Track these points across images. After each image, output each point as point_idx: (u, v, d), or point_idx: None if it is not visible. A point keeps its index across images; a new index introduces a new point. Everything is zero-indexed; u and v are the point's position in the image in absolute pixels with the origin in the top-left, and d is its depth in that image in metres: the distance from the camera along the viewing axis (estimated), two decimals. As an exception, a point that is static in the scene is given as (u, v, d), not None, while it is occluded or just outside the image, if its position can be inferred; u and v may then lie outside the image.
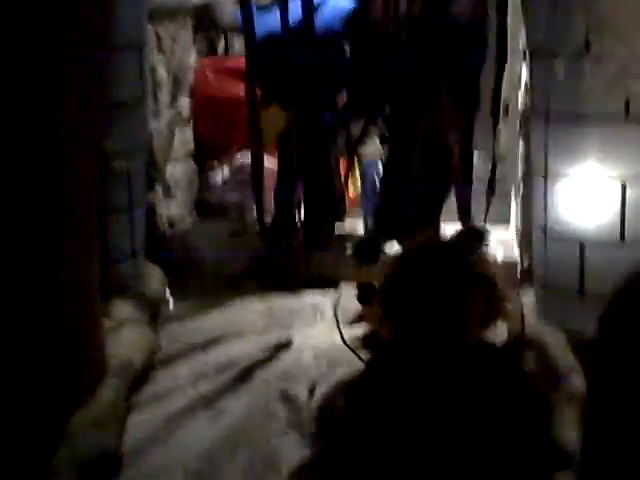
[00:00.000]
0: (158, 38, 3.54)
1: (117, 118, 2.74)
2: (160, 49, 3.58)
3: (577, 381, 2.35)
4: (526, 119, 3.24)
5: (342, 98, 3.70)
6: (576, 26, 1.56)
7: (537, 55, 2.66)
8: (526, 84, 3.25)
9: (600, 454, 1.35)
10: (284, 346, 2.97)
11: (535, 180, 2.90)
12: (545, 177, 2.77)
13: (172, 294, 3.45)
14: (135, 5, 2.80)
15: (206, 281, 3.60)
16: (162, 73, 3.60)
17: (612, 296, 1.77)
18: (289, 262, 3.65)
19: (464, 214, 3.19)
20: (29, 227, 2.03)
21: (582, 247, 2.71)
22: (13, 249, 2.03)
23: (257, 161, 3.56)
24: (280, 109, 3.58)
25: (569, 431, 1.89)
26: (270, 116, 3.59)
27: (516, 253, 3.57)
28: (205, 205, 3.98)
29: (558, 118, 2.56)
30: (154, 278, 3.32)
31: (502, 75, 2.48)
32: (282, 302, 3.50)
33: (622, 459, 1.34)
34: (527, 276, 3.27)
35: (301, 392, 2.59)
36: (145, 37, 3.04)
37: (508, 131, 3.78)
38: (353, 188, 4.15)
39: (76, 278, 2.24)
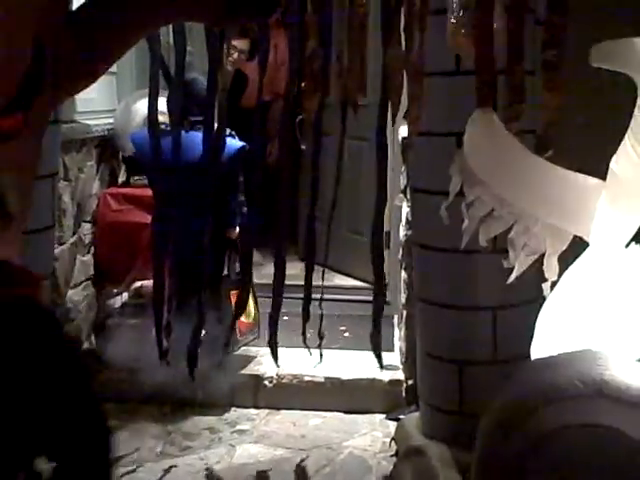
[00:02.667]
0: (65, 167, 3.72)
1: (29, 245, 2.85)
2: (66, 178, 3.75)
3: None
4: (408, 250, 3.56)
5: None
6: (453, 176, 1.86)
7: (419, 194, 3.01)
8: (407, 217, 3.60)
9: None
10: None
11: (417, 306, 3.17)
12: (426, 304, 3.05)
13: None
14: (51, 136, 2.96)
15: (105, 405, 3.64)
16: (67, 201, 3.76)
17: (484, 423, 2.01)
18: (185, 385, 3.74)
19: None
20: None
21: (461, 368, 2.97)
22: None
23: (159, 285, 3.66)
24: None
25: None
26: None
27: (401, 375, 3.82)
28: (104, 328, 4.06)
29: (439, 250, 2.88)
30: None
31: (382, 213, 2.78)
32: (180, 425, 3.61)
33: None
34: (413, 396, 3.50)
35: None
36: (57, 166, 3.22)
37: (390, 261, 4.11)
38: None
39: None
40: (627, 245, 1.72)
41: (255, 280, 3.94)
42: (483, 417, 2.03)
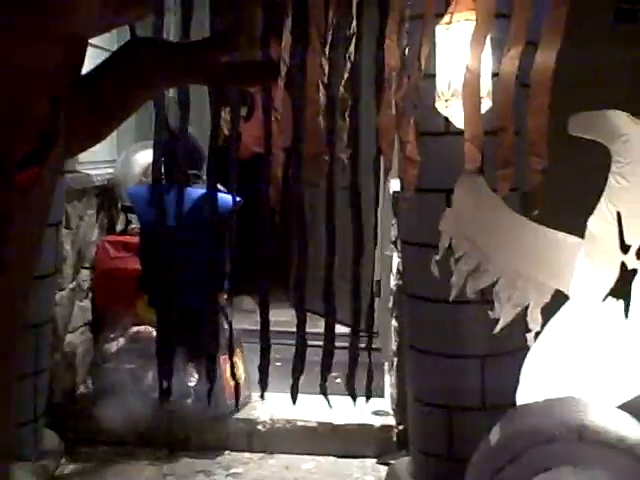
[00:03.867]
0: (67, 215, 3.83)
1: (34, 290, 2.95)
2: (68, 226, 3.86)
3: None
4: (399, 299, 3.68)
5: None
6: (442, 233, 1.99)
7: (409, 246, 3.14)
8: (397, 267, 3.72)
9: None
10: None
11: (407, 354, 3.28)
12: (416, 352, 3.15)
13: (68, 460, 3.56)
14: (57, 186, 3.09)
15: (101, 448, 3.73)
16: (68, 248, 3.87)
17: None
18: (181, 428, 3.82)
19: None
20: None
21: (450, 414, 3.06)
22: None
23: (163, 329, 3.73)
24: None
25: None
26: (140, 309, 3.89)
27: (392, 420, 3.90)
28: (102, 373, 4.13)
29: (429, 300, 2.99)
30: (51, 443, 3.43)
31: (373, 262, 2.91)
32: (175, 467, 3.67)
33: None
34: (404, 440, 3.58)
35: None
36: (61, 215, 3.34)
37: (380, 309, 4.22)
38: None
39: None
40: (604, 299, 1.84)
41: (246, 326, 4.07)
42: (470, 463, 2.13)
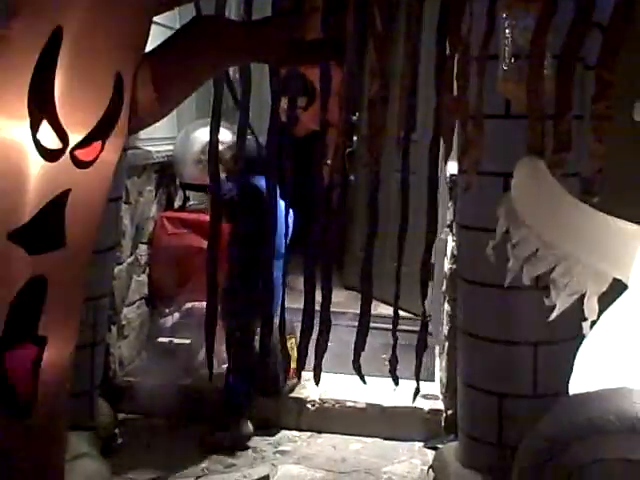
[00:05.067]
0: (126, 191, 3.90)
1: (94, 263, 3.02)
2: (127, 201, 3.93)
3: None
4: (452, 283, 3.65)
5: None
6: (499, 217, 1.97)
7: (465, 230, 3.12)
8: (452, 251, 3.70)
9: None
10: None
11: (460, 338, 3.26)
12: (468, 336, 3.13)
13: (121, 431, 3.64)
14: (119, 162, 3.13)
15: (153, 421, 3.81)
16: (127, 223, 3.94)
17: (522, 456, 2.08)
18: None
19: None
20: None
21: (501, 400, 3.04)
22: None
23: (211, 306, 3.79)
24: None
25: None
26: None
27: (441, 405, 3.89)
28: (156, 347, 4.21)
29: (484, 285, 2.97)
30: (105, 414, 3.51)
31: (433, 241, 2.89)
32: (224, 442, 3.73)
33: None
34: (452, 425, 3.58)
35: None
36: (122, 191, 3.40)
37: (434, 293, 4.20)
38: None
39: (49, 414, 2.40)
40: (664, 289, 1.81)
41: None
42: (519, 450, 2.11)
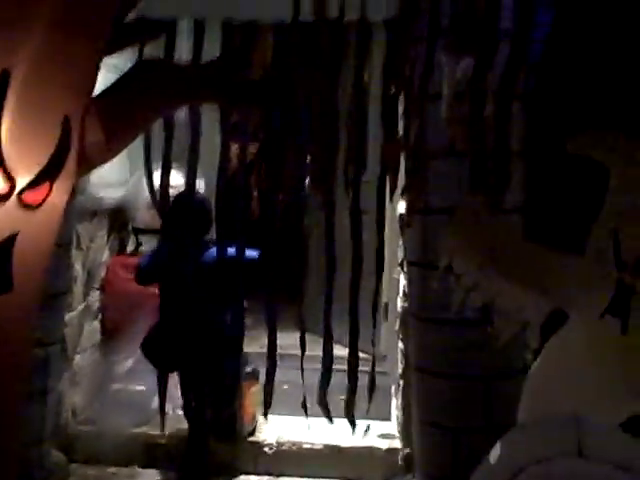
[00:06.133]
0: (77, 236, 3.89)
1: (43, 309, 2.99)
2: (78, 246, 3.91)
3: None
4: (404, 320, 3.69)
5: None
6: (443, 251, 2.03)
7: (414, 267, 3.17)
8: (404, 289, 3.74)
9: None
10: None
11: (413, 375, 3.28)
12: (421, 373, 3.16)
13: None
14: (68, 206, 3.11)
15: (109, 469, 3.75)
16: (78, 268, 3.92)
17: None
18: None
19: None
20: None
21: (456, 436, 3.06)
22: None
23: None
24: None
25: None
26: None
27: (398, 444, 3.90)
28: (110, 394, 4.16)
29: (432, 321, 3.01)
30: (58, 463, 3.45)
31: (380, 282, 2.93)
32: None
33: None
34: (410, 464, 3.58)
35: None
36: (71, 235, 3.39)
37: (388, 332, 4.24)
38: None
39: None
40: (602, 316, 1.86)
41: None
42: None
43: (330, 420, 3.27)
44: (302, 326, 3.13)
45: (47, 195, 1.79)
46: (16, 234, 1.72)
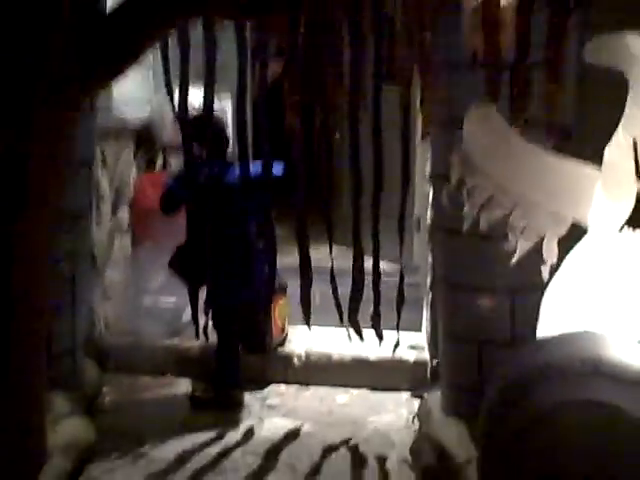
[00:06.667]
0: (103, 155, 3.89)
1: (66, 227, 3.02)
2: (104, 165, 3.92)
3: (470, 472, 2.65)
4: (431, 233, 3.66)
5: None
6: (453, 165, 1.97)
7: (440, 179, 3.11)
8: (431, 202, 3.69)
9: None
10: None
11: (439, 288, 3.27)
12: (446, 285, 3.14)
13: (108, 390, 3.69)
14: (86, 126, 3.11)
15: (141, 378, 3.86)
16: (105, 187, 3.94)
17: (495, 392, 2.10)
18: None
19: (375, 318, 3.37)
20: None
21: (480, 348, 3.06)
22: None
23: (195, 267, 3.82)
24: None
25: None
26: None
27: (426, 356, 3.92)
28: (141, 307, 4.24)
29: (455, 233, 2.97)
30: (91, 374, 3.55)
31: (406, 195, 2.89)
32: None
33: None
34: (437, 375, 3.61)
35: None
36: (94, 155, 3.39)
37: (421, 244, 4.21)
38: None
39: (25, 375, 2.44)
40: (620, 230, 1.80)
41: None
42: (484, 397, 2.12)
43: (361, 337, 3.30)
44: (330, 240, 3.14)
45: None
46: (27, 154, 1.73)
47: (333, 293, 3.18)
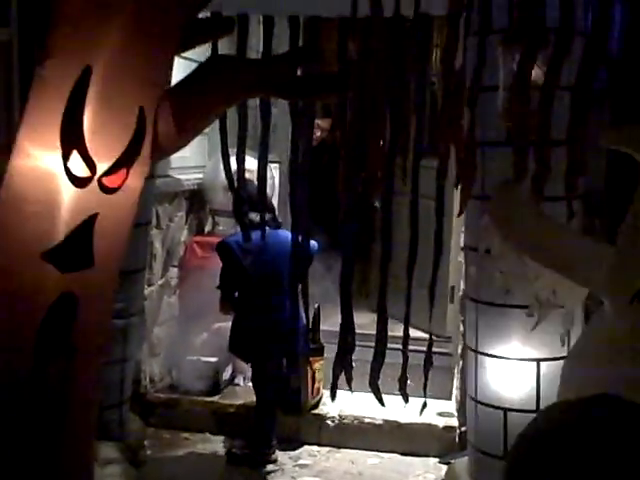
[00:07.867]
0: (157, 216, 4.14)
1: (123, 284, 3.24)
2: (158, 226, 4.17)
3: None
4: (463, 303, 3.81)
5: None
6: (484, 234, 2.15)
7: (469, 250, 3.29)
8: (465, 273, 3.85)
9: None
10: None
11: (467, 355, 3.41)
12: (475, 353, 3.29)
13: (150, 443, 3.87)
14: (147, 189, 3.35)
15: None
16: (158, 247, 4.18)
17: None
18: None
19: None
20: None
21: (505, 415, 3.18)
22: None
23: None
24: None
25: None
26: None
27: (456, 422, 4.03)
28: (185, 364, 4.42)
29: (486, 304, 3.13)
30: (135, 426, 3.73)
31: (438, 265, 3.07)
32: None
33: None
34: (464, 441, 3.71)
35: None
36: (151, 216, 3.64)
37: (454, 314, 4.36)
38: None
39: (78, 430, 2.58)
40: (631, 301, 1.95)
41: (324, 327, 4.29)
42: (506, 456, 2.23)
43: (381, 402, 3.44)
44: (381, 307, 3.31)
45: (124, 180, 2.00)
46: (96, 214, 1.93)
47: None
